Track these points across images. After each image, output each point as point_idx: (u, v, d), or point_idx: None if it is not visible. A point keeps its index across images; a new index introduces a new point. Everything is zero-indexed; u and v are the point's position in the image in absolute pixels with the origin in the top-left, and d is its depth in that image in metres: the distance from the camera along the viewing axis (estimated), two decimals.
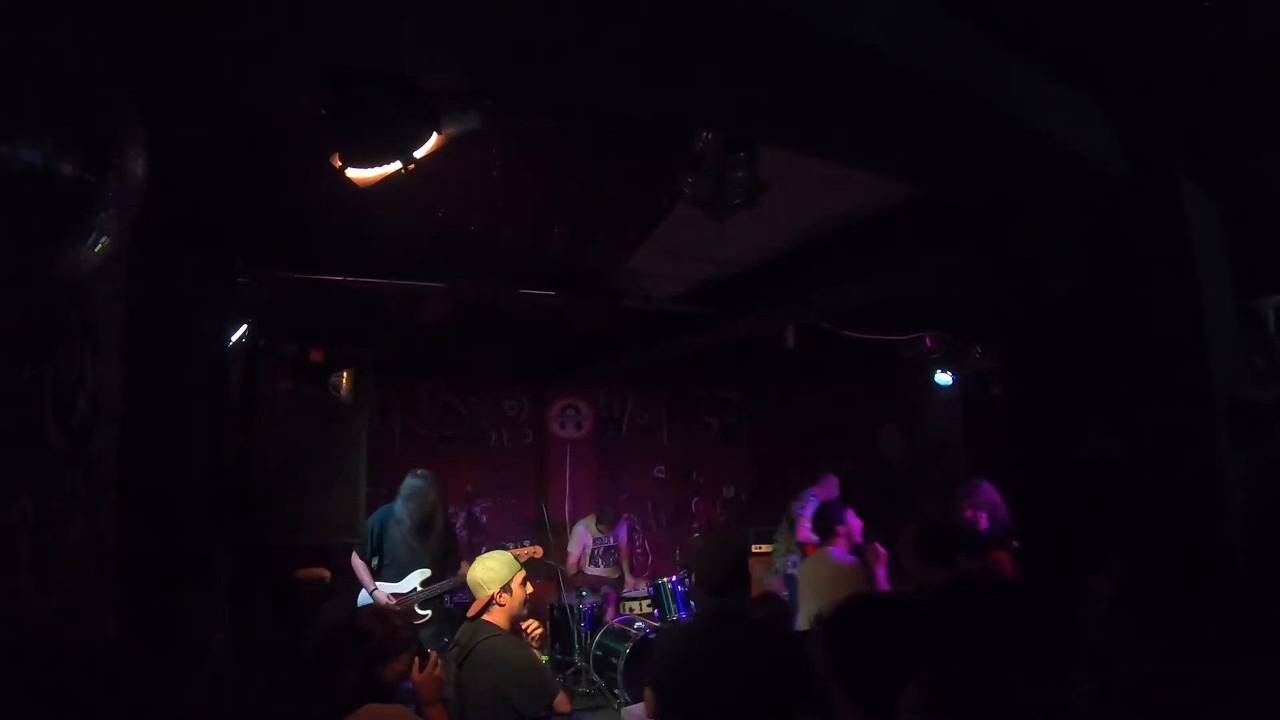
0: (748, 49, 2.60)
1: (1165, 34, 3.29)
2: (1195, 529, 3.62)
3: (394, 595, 7.18)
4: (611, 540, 10.29)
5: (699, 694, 3.86)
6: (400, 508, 7.42)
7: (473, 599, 4.84)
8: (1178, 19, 3.17)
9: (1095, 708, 3.26)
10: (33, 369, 2.59)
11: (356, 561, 7.21)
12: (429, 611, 7.26)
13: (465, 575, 7.59)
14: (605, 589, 9.95)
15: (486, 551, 5.25)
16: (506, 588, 4.72)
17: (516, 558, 5.20)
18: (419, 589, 7.29)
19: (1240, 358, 4.06)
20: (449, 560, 7.78)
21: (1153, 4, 3.13)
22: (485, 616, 4.72)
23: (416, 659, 4.14)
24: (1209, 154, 3.92)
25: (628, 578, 10.40)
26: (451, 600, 8.23)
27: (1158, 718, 3.22)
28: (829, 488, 9.86)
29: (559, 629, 9.19)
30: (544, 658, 5.09)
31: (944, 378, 9.95)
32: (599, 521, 10.24)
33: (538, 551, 8.28)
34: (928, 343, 9.59)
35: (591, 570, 10.12)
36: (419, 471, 7.62)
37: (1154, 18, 3.19)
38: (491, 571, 4.77)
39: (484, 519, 10.95)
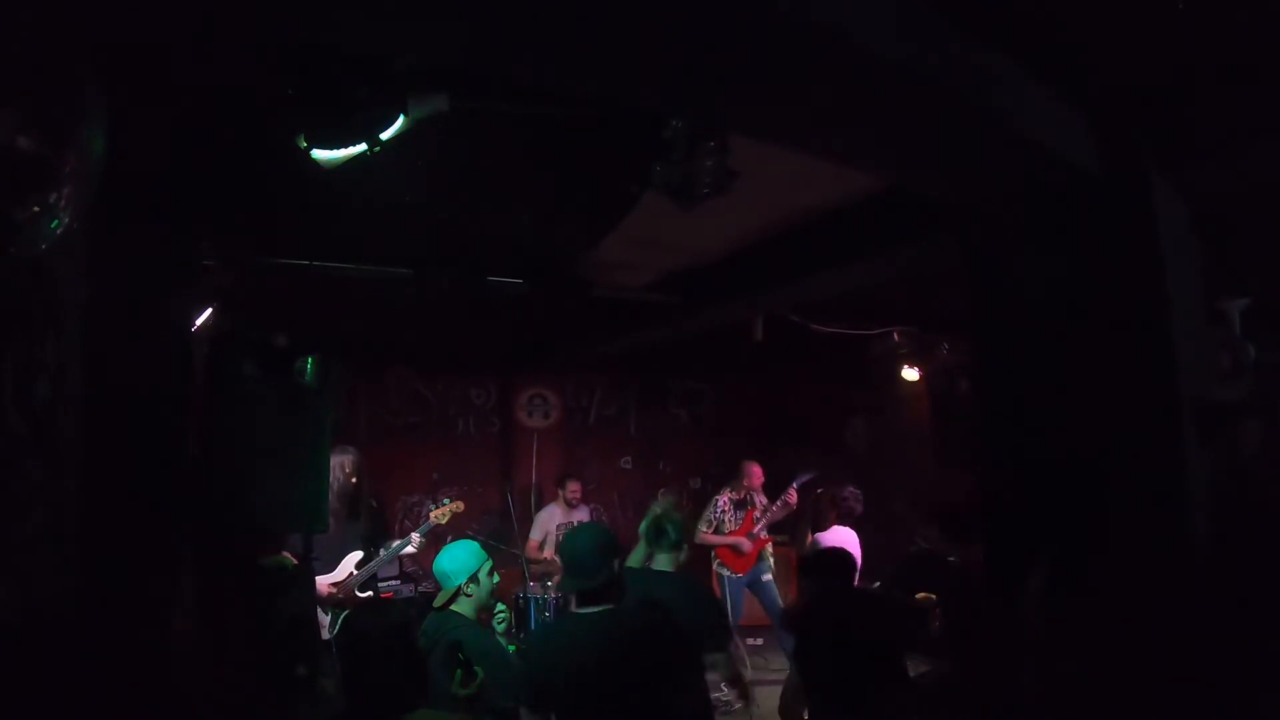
0: (716, 32, 2.58)
1: (1140, 31, 3.30)
2: (1160, 526, 3.64)
3: (332, 585, 7.06)
4: (575, 525, 10.26)
5: (602, 699, 3.74)
6: None
7: (438, 588, 4.82)
8: (1152, 16, 3.18)
9: (1036, 699, 3.29)
10: None
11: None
12: (370, 593, 7.16)
13: (398, 548, 7.61)
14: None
15: (452, 540, 5.21)
16: (474, 578, 4.68)
17: (441, 516, 5.16)
18: (355, 573, 7.22)
19: (1206, 357, 4.09)
20: (377, 537, 7.73)
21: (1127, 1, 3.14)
22: (453, 607, 4.69)
23: (459, 672, 4.10)
24: (1180, 153, 3.94)
25: None
26: (417, 590, 8.19)
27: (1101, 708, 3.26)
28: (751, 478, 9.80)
29: (523, 619, 9.15)
30: (510, 648, 5.07)
31: (911, 373, 10.00)
32: (566, 479, 10.29)
33: (460, 506, 8.26)
34: (895, 337, 9.65)
35: (556, 557, 10.09)
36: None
37: (1129, 14, 3.20)
38: (459, 562, 4.73)
39: None
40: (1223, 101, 3.67)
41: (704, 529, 9.63)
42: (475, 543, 4.98)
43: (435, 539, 8.24)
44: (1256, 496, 4.04)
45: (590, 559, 3.97)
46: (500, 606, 4.97)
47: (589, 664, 3.74)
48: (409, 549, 7.65)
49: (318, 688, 4.98)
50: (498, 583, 4.88)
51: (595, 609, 3.93)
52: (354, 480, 7.57)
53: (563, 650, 3.92)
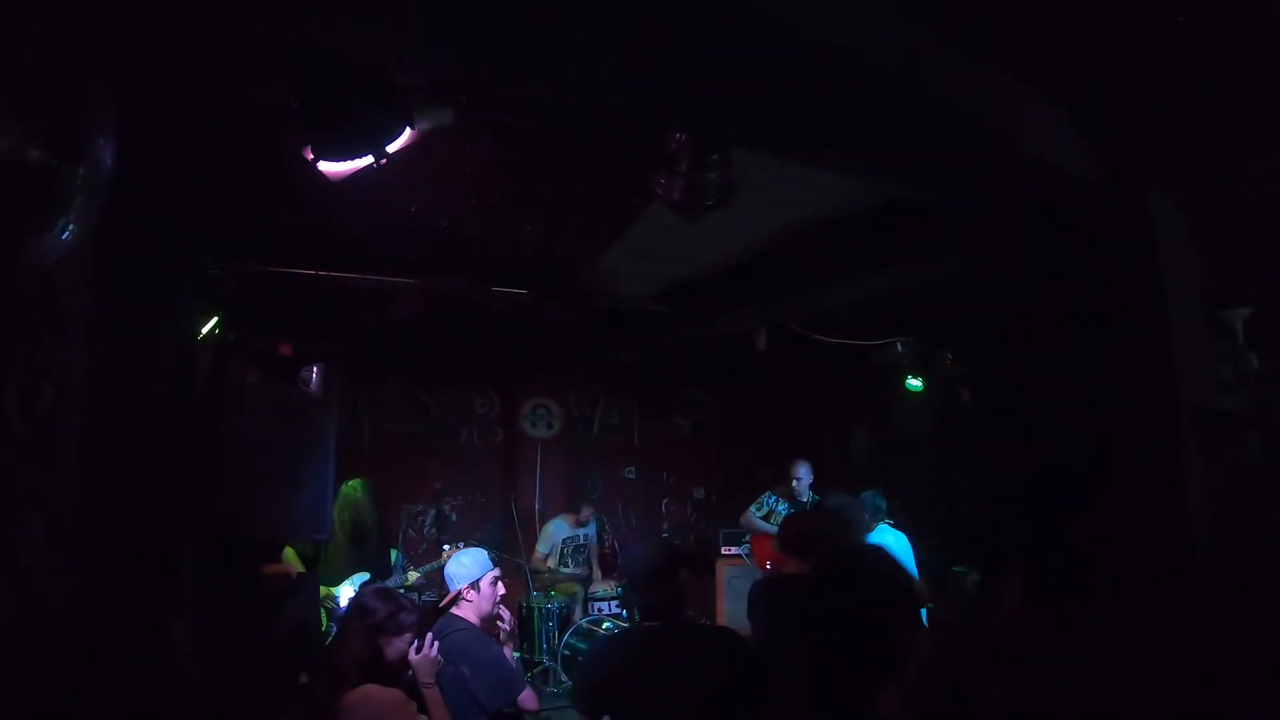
0: (719, 46, 2.60)
1: (1138, 43, 3.31)
2: (1160, 538, 3.64)
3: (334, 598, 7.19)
4: (582, 539, 10.27)
5: (653, 710, 3.67)
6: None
7: (443, 594, 4.96)
8: (1151, 29, 3.19)
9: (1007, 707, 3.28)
10: None
11: (288, 552, 7.11)
12: None
13: (411, 581, 7.86)
14: (575, 588, 9.92)
15: (462, 548, 5.39)
16: (475, 585, 4.82)
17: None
18: (368, 587, 7.31)
19: (1207, 367, 4.09)
20: (386, 565, 7.88)
21: (1126, 13, 3.16)
22: (454, 610, 4.84)
23: (416, 640, 4.27)
24: (1179, 164, 3.95)
25: (596, 572, 10.38)
26: (421, 597, 8.25)
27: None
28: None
29: (526, 628, 9.17)
30: (516, 654, 5.19)
31: (914, 383, 9.99)
32: (581, 503, 10.28)
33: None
34: (898, 347, 9.63)
35: (562, 570, 10.09)
36: (351, 482, 7.73)
37: (1127, 27, 3.21)
38: (463, 567, 4.89)
39: (453, 517, 10.92)
40: (1222, 112, 3.68)
41: (755, 511, 9.40)
42: (485, 552, 5.11)
43: (434, 552, 8.31)
44: (1257, 508, 4.03)
45: (657, 573, 3.93)
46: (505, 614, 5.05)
47: (651, 679, 3.69)
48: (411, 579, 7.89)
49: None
50: (503, 595, 4.99)
51: (659, 624, 3.89)
52: (363, 512, 7.76)
53: (625, 663, 3.87)
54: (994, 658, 3.28)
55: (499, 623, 4.96)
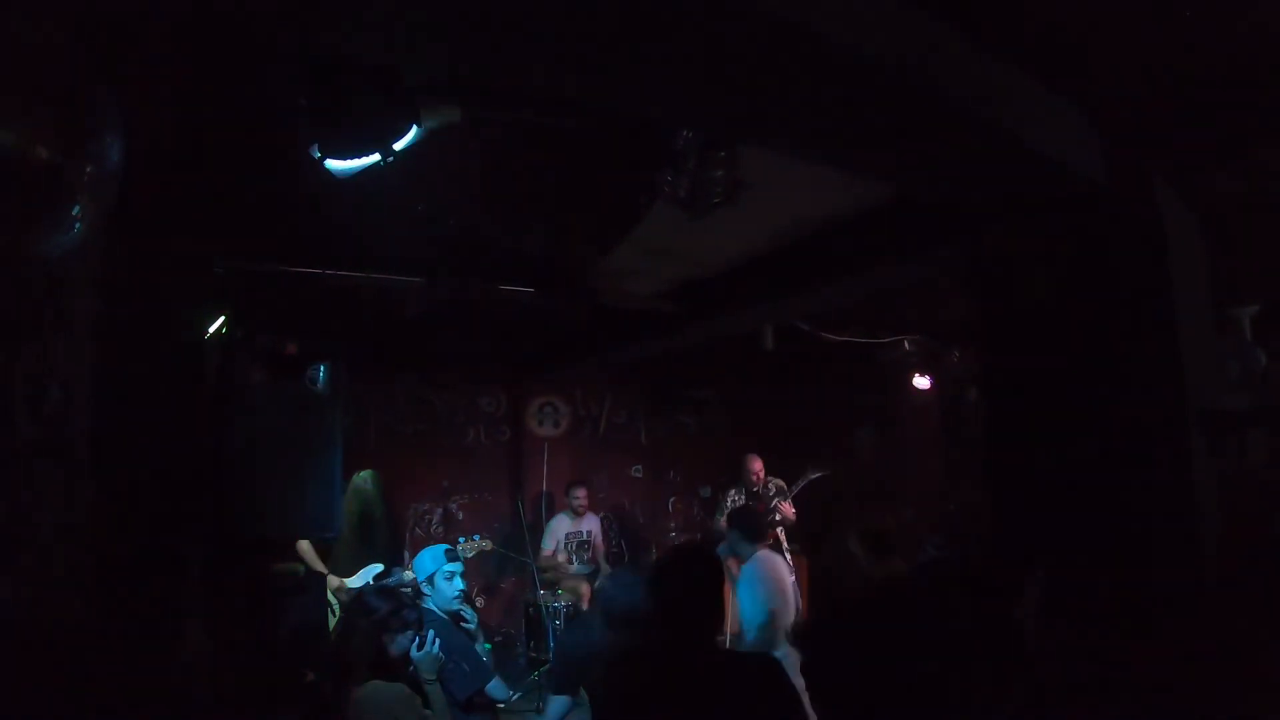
0: (725, 44, 2.59)
1: (1146, 41, 3.30)
2: (1168, 537, 3.63)
3: (348, 590, 7.27)
4: (585, 534, 10.28)
5: None
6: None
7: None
8: (1159, 26, 3.18)
9: (1029, 707, 3.27)
10: (3, 356, 2.56)
11: (304, 544, 7.17)
12: None
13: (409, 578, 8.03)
14: (584, 586, 9.91)
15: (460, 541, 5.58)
16: (429, 580, 5.17)
17: (462, 551, 5.54)
18: (371, 583, 7.36)
19: (1215, 366, 4.08)
20: (399, 557, 7.97)
21: (1134, 10, 3.15)
22: (420, 603, 5.05)
23: (418, 638, 4.42)
24: (1187, 162, 3.94)
25: (604, 568, 10.37)
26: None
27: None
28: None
29: (534, 627, 9.16)
30: (486, 646, 5.42)
31: (921, 381, 9.98)
32: (573, 486, 10.34)
33: (488, 544, 8.48)
34: (906, 345, 9.63)
35: (571, 564, 10.11)
36: (361, 473, 7.79)
37: (1134, 24, 3.20)
38: (421, 563, 5.30)
39: (460, 515, 10.92)
40: (1231, 108, 3.67)
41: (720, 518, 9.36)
42: (442, 549, 5.40)
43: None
44: (1266, 508, 4.02)
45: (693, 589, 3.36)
46: (469, 612, 5.22)
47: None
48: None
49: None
50: (462, 589, 5.27)
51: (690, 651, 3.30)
52: (370, 504, 7.84)
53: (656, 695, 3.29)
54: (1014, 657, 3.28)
55: (461, 621, 5.10)
